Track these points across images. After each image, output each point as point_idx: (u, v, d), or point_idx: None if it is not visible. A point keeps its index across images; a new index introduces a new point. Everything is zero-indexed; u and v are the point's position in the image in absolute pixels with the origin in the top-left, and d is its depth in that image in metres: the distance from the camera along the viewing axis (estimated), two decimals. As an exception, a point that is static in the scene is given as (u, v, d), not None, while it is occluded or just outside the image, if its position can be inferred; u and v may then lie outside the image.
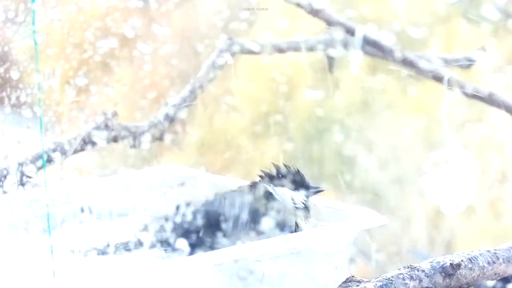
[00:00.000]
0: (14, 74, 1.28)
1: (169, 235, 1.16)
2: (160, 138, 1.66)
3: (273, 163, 1.24)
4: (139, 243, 1.16)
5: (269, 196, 1.20)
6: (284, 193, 1.21)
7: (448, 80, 1.84)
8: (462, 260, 1.15)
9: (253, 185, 1.22)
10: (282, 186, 1.22)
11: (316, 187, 1.24)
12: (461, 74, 1.95)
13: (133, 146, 1.62)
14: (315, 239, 1.14)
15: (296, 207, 1.20)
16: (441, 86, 1.86)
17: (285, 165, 1.24)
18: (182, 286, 1.05)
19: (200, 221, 1.18)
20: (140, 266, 1.05)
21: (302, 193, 1.22)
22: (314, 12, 1.94)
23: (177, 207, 1.21)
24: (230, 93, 2.88)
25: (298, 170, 1.24)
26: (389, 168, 3.07)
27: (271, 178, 1.23)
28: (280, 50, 1.93)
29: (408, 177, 3.02)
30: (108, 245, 1.17)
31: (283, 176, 1.23)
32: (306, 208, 1.21)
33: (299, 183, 1.23)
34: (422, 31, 2.58)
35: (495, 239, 2.83)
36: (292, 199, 1.20)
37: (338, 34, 1.92)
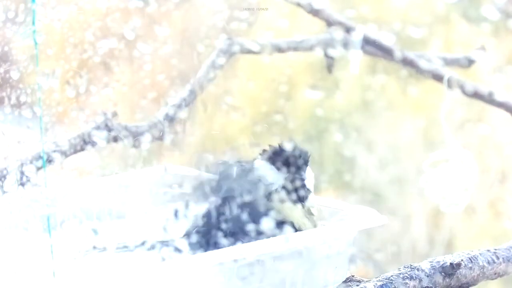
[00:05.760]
0: (14, 74, 1.28)
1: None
2: (160, 138, 1.66)
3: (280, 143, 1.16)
4: (141, 243, 1.16)
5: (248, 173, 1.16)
6: (264, 170, 1.17)
7: (448, 80, 1.83)
8: (462, 260, 1.16)
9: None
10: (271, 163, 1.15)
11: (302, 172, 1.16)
12: (461, 74, 1.95)
13: (133, 146, 1.62)
14: (315, 239, 1.14)
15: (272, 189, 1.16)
16: (441, 86, 1.86)
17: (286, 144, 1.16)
18: (182, 286, 1.05)
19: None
20: (140, 265, 1.05)
21: (283, 174, 1.16)
22: (314, 12, 1.94)
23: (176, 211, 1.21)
24: (230, 93, 2.89)
25: (297, 148, 1.16)
26: (389, 168, 3.07)
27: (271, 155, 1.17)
28: (280, 50, 1.93)
29: (408, 177, 3.02)
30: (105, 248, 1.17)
31: (279, 154, 1.17)
32: (286, 191, 1.15)
33: (290, 162, 1.15)
34: (422, 31, 2.58)
35: (495, 239, 2.83)
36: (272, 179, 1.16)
37: (338, 34, 1.92)
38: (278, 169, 1.16)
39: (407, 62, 1.95)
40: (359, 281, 1.18)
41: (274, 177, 1.16)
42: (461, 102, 2.19)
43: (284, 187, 1.16)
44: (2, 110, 1.33)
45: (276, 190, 1.15)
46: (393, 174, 3.06)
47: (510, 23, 2.74)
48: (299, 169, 1.17)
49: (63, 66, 1.67)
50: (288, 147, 1.17)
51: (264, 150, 1.19)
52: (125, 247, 1.16)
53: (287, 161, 1.16)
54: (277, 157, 1.17)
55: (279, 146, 1.18)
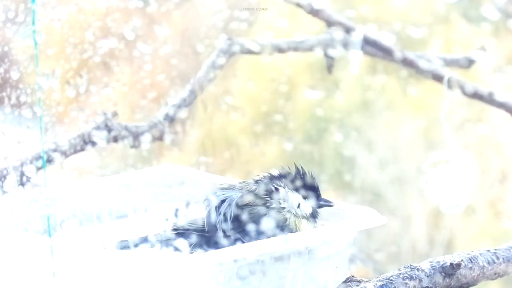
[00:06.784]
0: (14, 74, 1.28)
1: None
2: (160, 138, 1.66)
3: (294, 164, 1.22)
4: (141, 243, 1.17)
5: (269, 194, 1.19)
6: (288, 196, 1.20)
7: (448, 80, 1.83)
8: (462, 260, 1.16)
9: (258, 182, 1.21)
10: (290, 189, 1.21)
11: (327, 202, 1.23)
12: (461, 74, 1.95)
13: (133, 146, 1.62)
14: (315, 239, 1.14)
15: (298, 213, 1.19)
16: (441, 86, 1.86)
17: (302, 169, 1.22)
18: (182, 286, 1.06)
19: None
20: (140, 265, 1.05)
21: (310, 202, 1.21)
22: (314, 12, 1.94)
23: (176, 210, 1.21)
24: (230, 93, 2.89)
25: (313, 177, 1.22)
26: (389, 168, 3.07)
27: (282, 177, 1.22)
28: (280, 50, 1.92)
29: (408, 177, 3.02)
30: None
31: (294, 179, 1.22)
32: (312, 217, 1.21)
33: (311, 191, 1.22)
34: (422, 31, 2.58)
35: (495, 239, 2.83)
36: (299, 205, 1.19)
37: (338, 34, 1.92)
38: (305, 197, 1.21)
39: (407, 62, 1.95)
40: (359, 281, 1.18)
41: (303, 205, 1.20)
42: (461, 103, 2.19)
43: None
44: (2, 110, 1.33)
45: (303, 215, 1.20)
46: (393, 174, 3.06)
47: (510, 23, 2.74)
48: (316, 192, 1.22)
49: (63, 66, 1.67)
50: (294, 170, 1.22)
51: (265, 176, 1.23)
52: (126, 246, 1.16)
53: (307, 187, 1.22)
54: (295, 183, 1.21)
55: (297, 170, 1.22)
